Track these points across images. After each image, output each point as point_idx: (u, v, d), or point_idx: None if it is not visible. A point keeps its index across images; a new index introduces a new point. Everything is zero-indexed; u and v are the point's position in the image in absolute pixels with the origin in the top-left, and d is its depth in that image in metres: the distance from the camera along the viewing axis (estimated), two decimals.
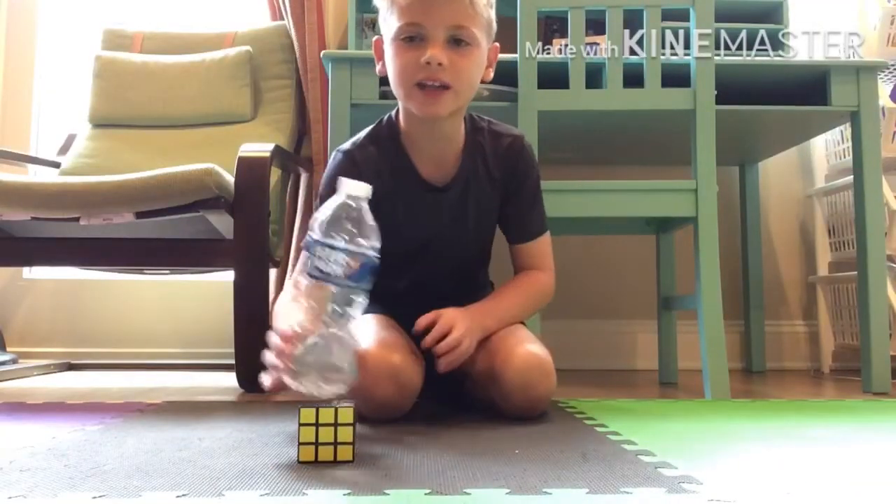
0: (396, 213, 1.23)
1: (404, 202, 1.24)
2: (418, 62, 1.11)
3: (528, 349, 1.16)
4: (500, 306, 1.23)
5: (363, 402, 1.05)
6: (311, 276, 0.88)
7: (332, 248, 0.87)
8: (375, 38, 1.22)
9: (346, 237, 0.88)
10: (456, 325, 1.13)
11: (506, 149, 1.26)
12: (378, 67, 1.22)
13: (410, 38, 1.12)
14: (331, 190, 1.17)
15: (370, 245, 0.89)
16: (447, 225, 1.27)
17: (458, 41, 1.12)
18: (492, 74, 1.23)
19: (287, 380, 0.86)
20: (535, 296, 1.30)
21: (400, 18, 1.12)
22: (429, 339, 1.10)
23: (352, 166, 1.20)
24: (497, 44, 1.23)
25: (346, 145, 1.26)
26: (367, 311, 1.23)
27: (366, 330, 1.17)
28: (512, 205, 1.28)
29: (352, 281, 0.88)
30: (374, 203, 1.15)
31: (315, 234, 0.89)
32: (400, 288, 1.29)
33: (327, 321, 0.87)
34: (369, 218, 0.90)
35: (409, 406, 1.12)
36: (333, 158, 1.25)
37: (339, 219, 0.88)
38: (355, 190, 0.90)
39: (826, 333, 2.32)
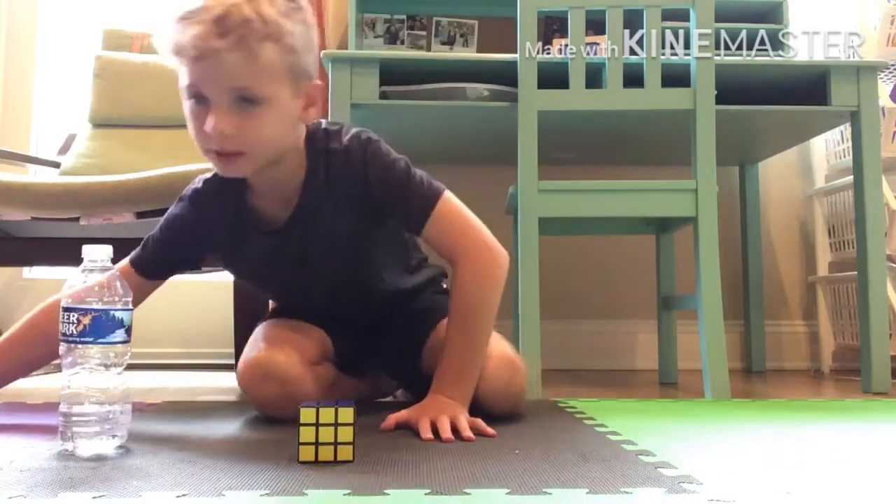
0: (249, 260, 1.20)
1: (251, 249, 1.17)
2: (204, 129, 0.99)
3: (495, 351, 1.15)
4: (456, 364, 1.07)
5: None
6: (60, 341, 0.88)
7: (64, 309, 0.87)
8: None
9: (71, 298, 0.87)
10: (431, 415, 1.00)
11: (343, 165, 1.11)
12: None
13: (197, 97, 1.00)
14: (168, 229, 1.16)
15: (101, 298, 0.88)
16: (309, 261, 1.17)
17: (246, 100, 0.99)
18: (315, 115, 1.10)
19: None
20: (478, 305, 1.09)
21: (183, 77, 1.00)
22: (427, 437, 0.97)
23: (194, 216, 1.15)
24: (318, 82, 1.08)
25: (196, 187, 1.17)
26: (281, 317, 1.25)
27: (260, 330, 1.20)
28: (385, 205, 1.12)
29: (88, 337, 0.87)
30: (219, 251, 1.20)
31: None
32: (315, 308, 1.26)
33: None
34: (105, 276, 0.89)
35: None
36: (178, 200, 1.18)
37: (76, 283, 0.88)
38: (94, 253, 0.90)
39: (826, 333, 2.32)
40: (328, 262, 1.17)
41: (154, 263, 1.17)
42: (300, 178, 1.12)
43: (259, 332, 1.22)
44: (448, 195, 1.12)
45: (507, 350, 1.18)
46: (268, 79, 0.99)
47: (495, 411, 1.13)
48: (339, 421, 0.83)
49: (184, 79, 1.00)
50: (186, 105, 1.03)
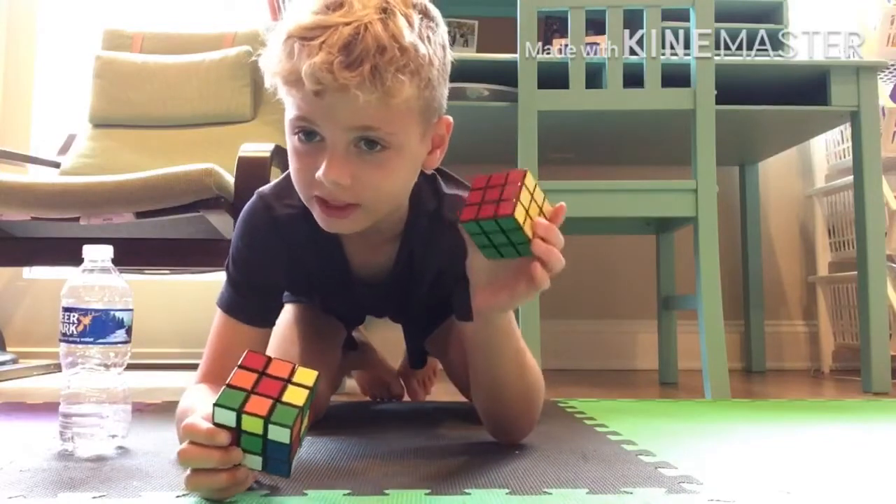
0: (322, 294, 1.12)
1: (330, 289, 1.07)
2: (314, 174, 0.81)
3: None
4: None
5: None
6: (60, 341, 0.88)
7: (64, 309, 0.87)
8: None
9: (74, 298, 0.87)
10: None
11: (451, 241, 0.85)
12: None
13: (306, 132, 0.82)
14: (256, 273, 0.95)
15: (102, 299, 0.88)
16: (384, 306, 1.14)
17: (370, 142, 0.81)
18: (439, 157, 0.91)
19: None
20: (536, 372, 0.95)
21: (292, 108, 0.82)
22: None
23: (284, 252, 0.96)
24: (449, 117, 0.90)
25: (278, 215, 0.95)
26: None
27: (291, 339, 1.11)
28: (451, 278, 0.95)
29: (88, 337, 0.87)
30: (291, 276, 1.00)
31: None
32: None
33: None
34: (108, 278, 0.89)
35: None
36: (250, 231, 0.96)
37: (76, 283, 0.88)
38: (94, 253, 0.90)
39: (826, 333, 2.32)
40: (394, 300, 1.09)
41: (265, 309, 0.99)
42: (395, 232, 0.97)
43: (289, 340, 1.10)
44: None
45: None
46: (399, 119, 0.81)
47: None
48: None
49: (292, 110, 0.82)
50: (289, 140, 0.85)
